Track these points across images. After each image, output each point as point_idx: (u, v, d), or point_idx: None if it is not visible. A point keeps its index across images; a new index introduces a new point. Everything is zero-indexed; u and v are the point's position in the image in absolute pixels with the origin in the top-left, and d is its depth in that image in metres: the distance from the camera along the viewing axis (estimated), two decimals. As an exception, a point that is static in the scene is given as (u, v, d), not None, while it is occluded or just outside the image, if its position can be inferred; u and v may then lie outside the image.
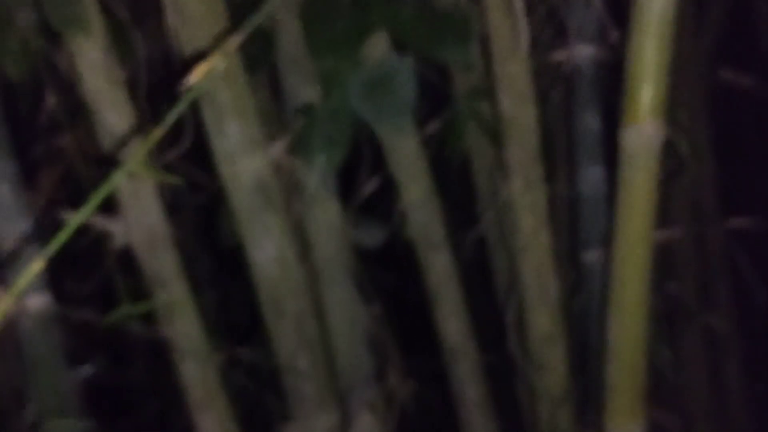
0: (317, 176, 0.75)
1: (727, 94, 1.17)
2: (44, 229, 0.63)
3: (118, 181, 0.39)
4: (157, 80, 0.69)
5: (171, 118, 0.40)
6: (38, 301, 0.61)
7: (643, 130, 0.61)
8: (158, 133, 0.39)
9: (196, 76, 0.40)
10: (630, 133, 0.61)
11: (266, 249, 0.73)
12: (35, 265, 0.40)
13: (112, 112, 0.64)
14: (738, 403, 1.25)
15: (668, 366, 0.87)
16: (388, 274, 0.88)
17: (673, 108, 1.09)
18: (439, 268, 0.82)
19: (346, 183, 0.81)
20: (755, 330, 1.25)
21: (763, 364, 1.32)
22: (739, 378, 1.24)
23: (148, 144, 0.39)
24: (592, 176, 0.81)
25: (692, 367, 1.19)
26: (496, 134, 0.77)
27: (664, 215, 1.08)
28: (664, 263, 1.08)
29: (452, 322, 0.84)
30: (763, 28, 1.18)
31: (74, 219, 0.40)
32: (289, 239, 0.74)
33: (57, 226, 0.64)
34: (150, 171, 0.51)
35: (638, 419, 0.67)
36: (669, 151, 1.05)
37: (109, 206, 0.68)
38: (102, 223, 0.67)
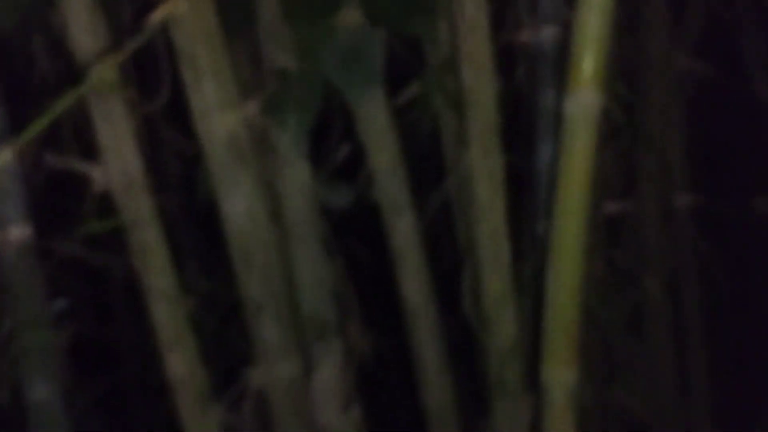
0: (289, 137, 0.80)
1: (705, 86, 1.23)
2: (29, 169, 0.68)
3: (86, 91, 0.43)
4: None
5: (137, 43, 0.45)
6: (20, 233, 0.66)
7: (584, 97, 0.66)
8: (127, 51, 0.44)
9: (158, 15, 0.45)
10: (571, 101, 0.67)
11: (237, 203, 0.78)
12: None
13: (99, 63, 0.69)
14: (702, 382, 1.29)
15: (617, 335, 0.92)
16: (354, 237, 0.94)
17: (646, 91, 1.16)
18: (403, 232, 0.87)
19: (318, 147, 0.86)
20: (718, 310, 1.30)
21: (727, 345, 1.37)
22: (704, 359, 1.28)
23: (117, 58, 0.44)
24: (548, 151, 0.86)
25: (658, 349, 1.24)
26: (458, 105, 0.82)
27: (627, 189, 1.14)
28: (625, 236, 1.14)
29: (413, 283, 0.88)
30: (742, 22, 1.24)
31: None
32: (260, 195, 0.80)
33: (41, 166, 0.70)
34: (118, 87, 0.55)
35: (572, 368, 0.72)
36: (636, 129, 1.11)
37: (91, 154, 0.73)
38: (83, 167, 0.72)
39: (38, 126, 0.42)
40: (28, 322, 0.66)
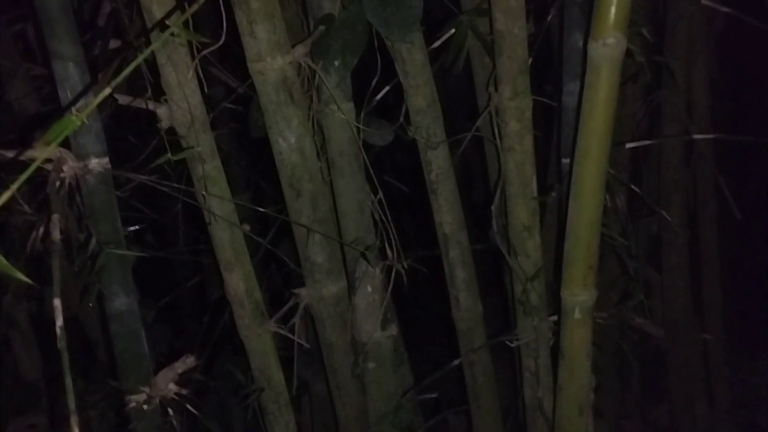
0: (334, 78, 0.86)
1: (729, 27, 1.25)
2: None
3: (161, 42, 0.50)
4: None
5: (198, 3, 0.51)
6: (98, 163, 0.75)
7: (608, 41, 0.71)
8: (189, 12, 0.51)
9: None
10: (596, 45, 0.72)
11: (287, 137, 0.86)
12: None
13: (159, 8, 0.76)
14: (717, 309, 1.36)
15: (635, 258, 0.98)
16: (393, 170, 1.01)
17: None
18: (437, 166, 0.94)
19: (360, 87, 0.92)
20: (735, 244, 1.36)
21: (742, 276, 1.43)
22: (719, 287, 1.35)
23: (188, 12, 0.51)
24: (575, 90, 0.91)
25: (674, 277, 1.31)
26: (491, 47, 0.87)
27: (651, 126, 1.19)
28: (647, 171, 1.20)
29: (447, 212, 0.96)
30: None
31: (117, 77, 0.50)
32: (308, 131, 0.87)
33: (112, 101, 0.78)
34: (187, 32, 0.61)
35: (589, 288, 0.80)
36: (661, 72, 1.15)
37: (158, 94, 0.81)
38: (151, 105, 0.80)
39: (124, 74, 0.49)
40: (106, 241, 0.75)
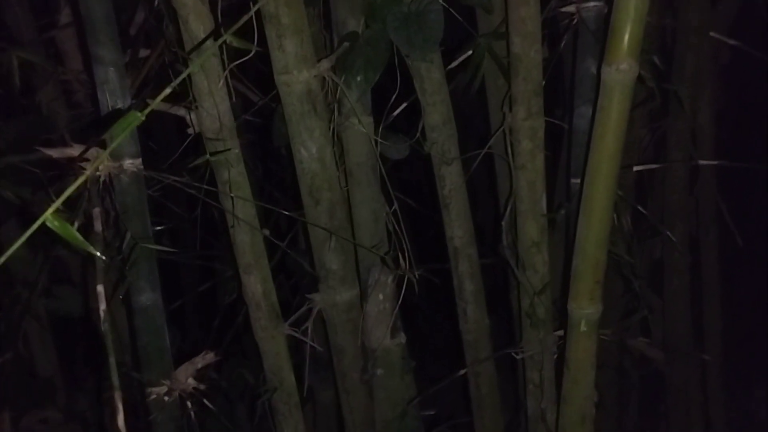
0: (355, 93, 0.90)
1: (736, 58, 1.29)
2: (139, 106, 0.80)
3: (207, 55, 0.54)
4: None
5: (240, 23, 0.55)
6: (132, 164, 0.78)
7: (621, 67, 0.75)
8: (230, 32, 0.55)
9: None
10: (610, 70, 0.76)
11: (309, 147, 0.89)
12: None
13: (196, 21, 0.80)
14: (717, 340, 1.39)
15: (639, 278, 1.01)
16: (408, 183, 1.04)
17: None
18: (450, 181, 0.98)
19: (379, 102, 0.96)
20: (736, 270, 1.38)
21: (741, 300, 1.45)
22: (720, 312, 1.37)
23: (221, 40, 0.55)
24: (585, 113, 0.95)
25: (676, 301, 1.34)
26: (507, 69, 0.91)
27: (658, 151, 1.23)
28: (652, 194, 1.23)
29: (458, 227, 1.00)
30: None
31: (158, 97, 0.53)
32: (329, 142, 0.91)
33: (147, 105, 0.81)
34: (240, 41, 0.65)
35: (595, 302, 0.83)
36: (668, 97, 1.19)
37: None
38: (181, 112, 0.84)
39: (167, 90, 0.52)
40: (137, 237, 0.79)
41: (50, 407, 1.16)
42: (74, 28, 1.13)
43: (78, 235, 0.37)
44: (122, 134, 0.43)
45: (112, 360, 0.46)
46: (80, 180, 0.40)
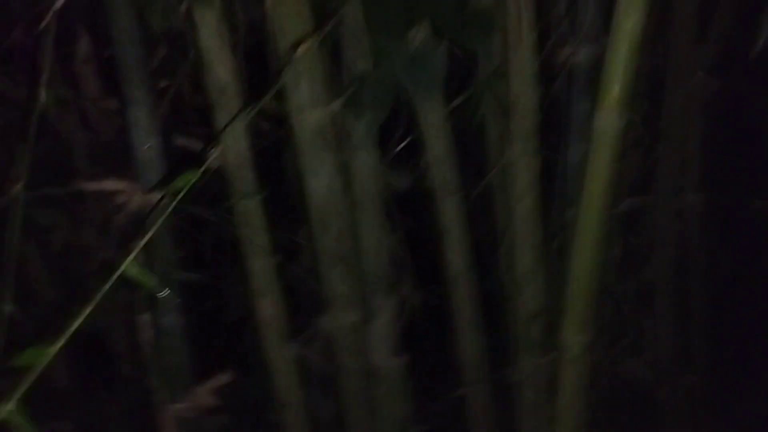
0: (363, 129, 0.96)
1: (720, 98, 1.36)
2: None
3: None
4: (253, 44, 0.91)
5: (276, 85, 0.61)
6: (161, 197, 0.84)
7: (610, 115, 0.82)
8: (266, 97, 0.61)
9: (299, 52, 0.62)
10: (599, 117, 0.82)
11: (321, 178, 0.95)
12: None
13: (220, 65, 0.86)
14: (703, 358, 1.44)
15: (628, 303, 1.07)
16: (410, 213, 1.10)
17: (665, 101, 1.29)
18: (450, 211, 1.04)
19: (385, 137, 1.02)
20: (720, 295, 1.44)
21: (727, 330, 1.51)
22: (705, 338, 1.43)
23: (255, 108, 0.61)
24: (579, 150, 1.01)
25: (664, 325, 1.40)
26: (505, 108, 0.98)
27: (646, 186, 1.29)
28: (641, 227, 1.29)
29: (456, 254, 1.05)
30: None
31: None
32: (338, 174, 0.97)
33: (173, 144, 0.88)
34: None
35: (586, 333, 0.89)
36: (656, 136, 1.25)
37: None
38: (202, 147, 0.90)
39: (231, 122, 0.58)
40: (161, 264, 0.85)
41: (63, 419, 1.20)
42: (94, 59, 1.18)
43: (153, 280, 0.43)
44: (186, 187, 0.49)
45: (152, 381, 0.51)
46: (152, 230, 0.45)
